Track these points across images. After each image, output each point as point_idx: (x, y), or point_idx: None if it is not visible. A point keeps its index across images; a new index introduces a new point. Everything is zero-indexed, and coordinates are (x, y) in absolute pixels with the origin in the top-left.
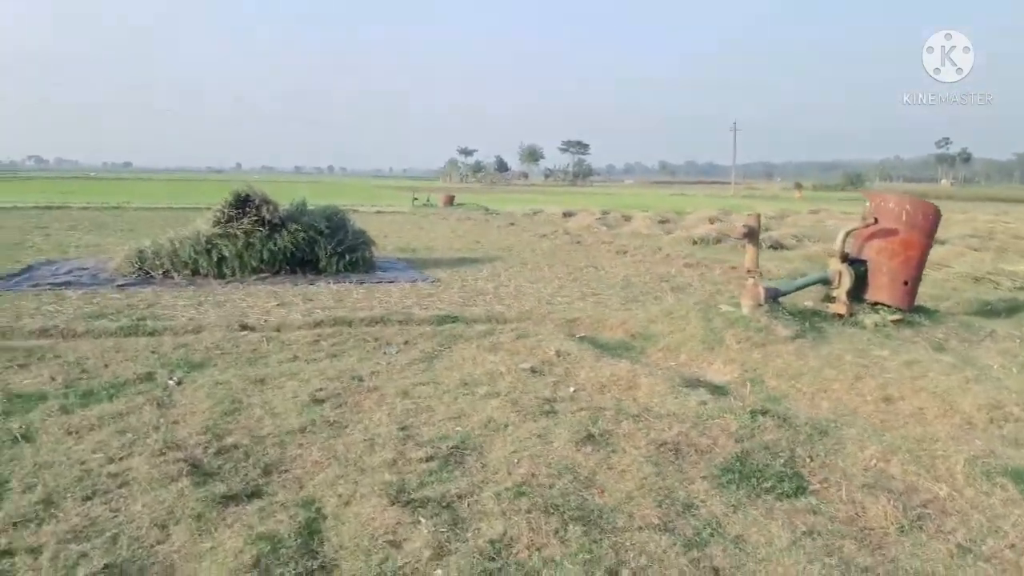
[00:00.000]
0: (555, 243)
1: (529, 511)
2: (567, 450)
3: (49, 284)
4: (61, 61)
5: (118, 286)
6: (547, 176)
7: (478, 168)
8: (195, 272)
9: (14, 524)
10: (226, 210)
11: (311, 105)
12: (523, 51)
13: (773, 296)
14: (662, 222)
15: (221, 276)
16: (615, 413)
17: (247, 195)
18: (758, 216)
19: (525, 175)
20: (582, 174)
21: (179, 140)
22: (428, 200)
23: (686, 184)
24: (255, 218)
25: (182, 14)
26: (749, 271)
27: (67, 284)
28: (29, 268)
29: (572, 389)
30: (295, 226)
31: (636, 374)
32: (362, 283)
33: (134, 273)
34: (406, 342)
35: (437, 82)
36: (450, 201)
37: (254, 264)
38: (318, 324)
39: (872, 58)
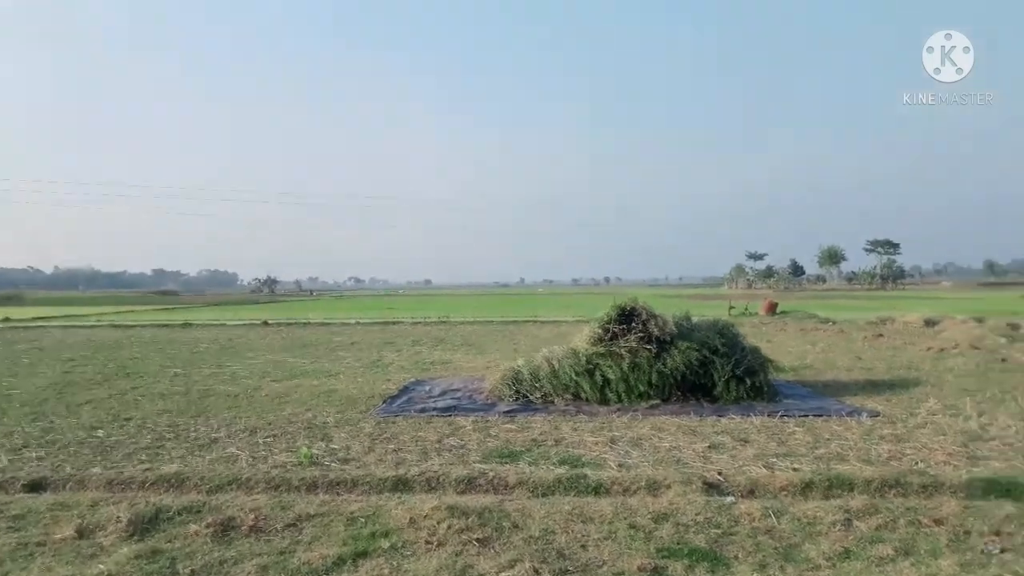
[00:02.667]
0: (970, 361)
1: None
2: None
3: (435, 410)
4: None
5: (504, 413)
6: (850, 280)
7: (769, 273)
8: (576, 396)
9: None
10: (610, 326)
11: (584, 219)
12: (804, 153)
13: None
14: None
15: (604, 402)
16: None
17: (632, 308)
18: None
19: (823, 279)
20: (892, 277)
21: (469, 259)
22: (746, 309)
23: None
24: (641, 335)
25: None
26: None
27: (452, 409)
28: (405, 389)
29: None
30: (686, 344)
31: None
32: (782, 415)
33: (511, 396)
34: (996, 533)
35: (710, 188)
36: (773, 309)
37: (641, 388)
38: (808, 486)
39: None
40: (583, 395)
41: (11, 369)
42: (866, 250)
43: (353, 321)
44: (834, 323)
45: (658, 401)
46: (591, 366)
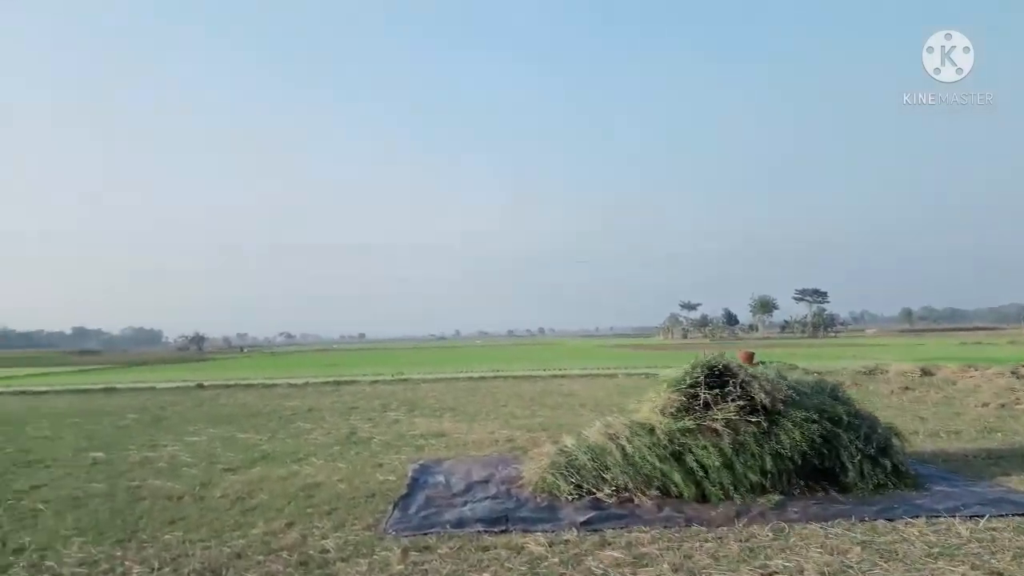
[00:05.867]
0: None
1: None
2: None
3: (478, 521)
4: (308, 254)
5: (581, 524)
6: (783, 328)
7: (704, 322)
8: (663, 491)
9: None
10: (698, 391)
11: (514, 271)
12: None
13: None
14: None
15: (704, 498)
16: None
17: (725, 366)
18: None
19: (754, 328)
20: (823, 324)
21: (402, 311)
22: None
23: (945, 332)
24: (740, 403)
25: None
26: None
27: (503, 520)
28: (415, 482)
29: None
30: (802, 415)
31: None
32: (989, 516)
33: (569, 492)
34: None
35: (647, 236)
36: (751, 359)
37: (752, 479)
38: None
39: None
40: (673, 490)
41: None
42: (795, 299)
43: (301, 382)
44: (819, 373)
45: (779, 496)
46: (677, 448)
